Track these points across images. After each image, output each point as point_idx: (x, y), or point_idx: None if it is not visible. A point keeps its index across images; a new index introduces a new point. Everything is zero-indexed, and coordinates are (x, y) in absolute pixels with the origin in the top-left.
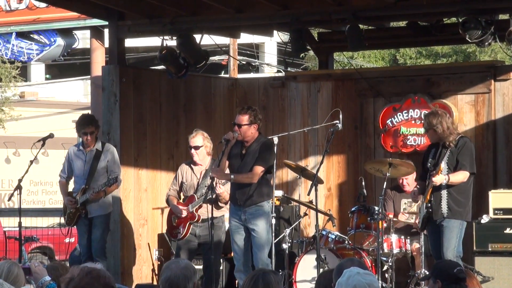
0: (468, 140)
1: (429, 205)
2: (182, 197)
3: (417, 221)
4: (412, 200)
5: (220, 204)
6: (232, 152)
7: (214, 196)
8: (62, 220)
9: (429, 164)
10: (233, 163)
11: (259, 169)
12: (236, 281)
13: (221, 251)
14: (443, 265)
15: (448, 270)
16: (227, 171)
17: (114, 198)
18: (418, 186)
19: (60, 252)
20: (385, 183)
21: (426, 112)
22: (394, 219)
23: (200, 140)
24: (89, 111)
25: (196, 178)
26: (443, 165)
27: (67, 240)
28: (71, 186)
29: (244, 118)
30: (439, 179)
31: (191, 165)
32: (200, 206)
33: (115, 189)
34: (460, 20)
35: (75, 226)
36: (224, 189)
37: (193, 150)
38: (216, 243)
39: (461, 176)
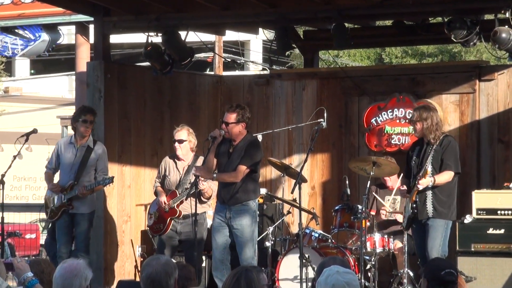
0: (453, 139)
1: (414, 205)
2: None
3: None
4: (402, 196)
5: (203, 199)
6: (220, 150)
7: (197, 193)
8: (43, 215)
9: (413, 163)
10: (221, 161)
11: (243, 168)
12: None
13: (203, 248)
14: (433, 265)
15: (435, 271)
16: (215, 168)
17: (97, 194)
18: (404, 186)
19: (20, 249)
20: (368, 182)
21: (416, 105)
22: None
23: (185, 135)
24: (73, 107)
25: (178, 174)
26: (429, 168)
27: (28, 236)
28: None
29: (232, 116)
30: (425, 182)
31: (175, 160)
32: (181, 202)
33: (102, 188)
34: (446, 20)
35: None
36: (207, 185)
37: (176, 144)
38: (198, 240)
39: (446, 176)
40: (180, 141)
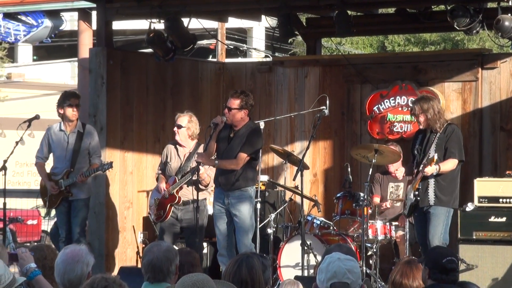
0: (456, 127)
1: (417, 193)
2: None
3: (400, 206)
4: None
5: (200, 187)
6: (220, 135)
7: (196, 179)
8: (41, 202)
9: (416, 151)
10: (220, 146)
11: (243, 156)
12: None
13: (204, 235)
14: (435, 253)
15: (437, 258)
16: (215, 154)
17: (99, 180)
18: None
19: (21, 234)
20: (370, 169)
21: (413, 99)
22: (384, 205)
23: (185, 121)
24: None
25: (179, 160)
26: (436, 156)
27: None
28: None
29: (235, 102)
30: (430, 170)
31: (176, 146)
32: (181, 188)
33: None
34: (449, 8)
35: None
36: (205, 173)
37: (175, 128)
38: (199, 227)
39: (450, 165)
40: (179, 127)
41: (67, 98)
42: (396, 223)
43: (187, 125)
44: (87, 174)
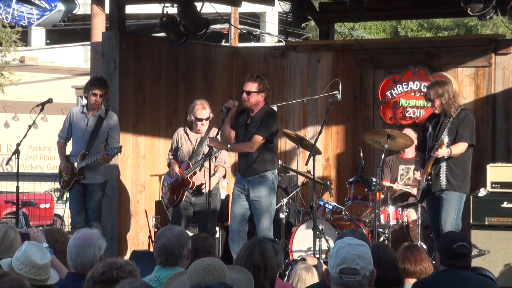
0: (470, 112)
1: (429, 177)
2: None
3: (413, 191)
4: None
5: (216, 173)
6: (239, 122)
7: (210, 164)
8: (58, 185)
9: (429, 136)
10: (239, 132)
11: (258, 138)
12: None
13: (217, 219)
14: (446, 239)
15: (448, 244)
16: (233, 139)
17: (112, 164)
18: (417, 158)
19: (34, 218)
20: (383, 154)
21: (426, 84)
22: (391, 185)
23: (207, 112)
24: (88, 77)
25: (191, 145)
26: (446, 139)
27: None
28: (68, 149)
29: (254, 86)
30: (442, 152)
31: (187, 131)
32: (195, 173)
33: (110, 159)
34: None
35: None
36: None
37: (204, 121)
38: (212, 211)
39: (460, 148)
40: (208, 119)
41: (93, 86)
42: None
43: (210, 115)
44: (110, 154)
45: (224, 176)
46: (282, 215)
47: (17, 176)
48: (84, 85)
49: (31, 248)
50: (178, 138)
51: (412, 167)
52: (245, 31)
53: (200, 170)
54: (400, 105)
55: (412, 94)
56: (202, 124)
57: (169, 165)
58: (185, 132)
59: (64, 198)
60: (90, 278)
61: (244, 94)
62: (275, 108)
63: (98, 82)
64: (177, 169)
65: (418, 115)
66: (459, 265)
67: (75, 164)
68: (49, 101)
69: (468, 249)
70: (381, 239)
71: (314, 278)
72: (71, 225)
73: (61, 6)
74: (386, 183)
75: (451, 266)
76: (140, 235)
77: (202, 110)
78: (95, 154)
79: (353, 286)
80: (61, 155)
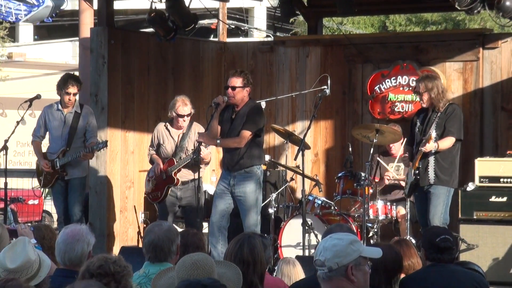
0: (457, 107)
1: (417, 172)
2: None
3: (403, 183)
4: (405, 165)
5: (201, 165)
6: (223, 117)
7: (198, 160)
8: (36, 183)
9: (417, 130)
10: (224, 127)
11: (246, 133)
12: None
13: (204, 214)
14: (429, 233)
15: (431, 238)
16: (219, 135)
17: (100, 160)
18: (407, 153)
19: (22, 215)
20: (371, 149)
21: (415, 78)
22: (385, 176)
23: (189, 109)
24: (77, 73)
25: (173, 141)
26: (434, 134)
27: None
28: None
29: (238, 81)
30: (430, 146)
31: (168, 127)
32: (179, 170)
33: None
34: None
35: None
36: (208, 151)
37: (185, 118)
38: (200, 206)
39: (448, 142)
40: (189, 115)
41: (66, 84)
42: (396, 197)
43: (191, 111)
44: (87, 151)
45: (208, 163)
46: (271, 210)
47: (5, 172)
48: (57, 82)
49: (4, 252)
50: (159, 135)
51: (402, 165)
52: (233, 26)
53: (189, 167)
54: (388, 99)
55: (401, 88)
56: (184, 120)
57: (151, 161)
58: (166, 129)
59: (45, 195)
60: (86, 271)
61: (230, 90)
62: (263, 103)
63: (70, 80)
64: (161, 165)
65: (406, 110)
66: (444, 258)
67: (56, 161)
68: (37, 97)
69: (451, 242)
70: (370, 234)
71: (297, 269)
72: (58, 221)
73: (49, 2)
74: (377, 180)
75: (436, 260)
76: (129, 231)
77: (184, 106)
78: (75, 150)
79: (322, 279)
80: (38, 154)
